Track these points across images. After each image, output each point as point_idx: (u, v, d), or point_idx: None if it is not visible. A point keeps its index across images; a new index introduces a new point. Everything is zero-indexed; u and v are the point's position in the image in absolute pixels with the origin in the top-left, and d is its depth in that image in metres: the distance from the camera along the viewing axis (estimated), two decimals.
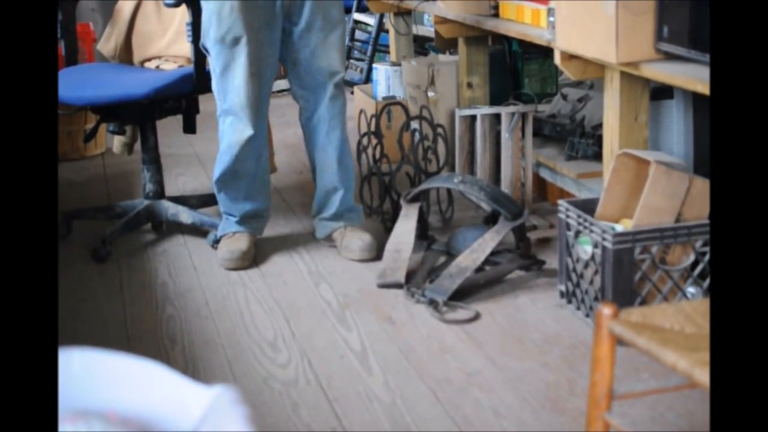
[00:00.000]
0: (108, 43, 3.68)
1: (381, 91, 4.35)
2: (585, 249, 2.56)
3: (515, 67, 4.10)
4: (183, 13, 3.39)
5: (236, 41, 2.98)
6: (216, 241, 3.25)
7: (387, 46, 5.08)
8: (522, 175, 3.48)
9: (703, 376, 1.40)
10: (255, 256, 3.17)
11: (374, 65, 4.51)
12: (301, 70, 3.13)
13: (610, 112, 2.74)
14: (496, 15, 3.50)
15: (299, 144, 4.51)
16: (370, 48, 5.22)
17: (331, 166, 3.21)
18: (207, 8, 3.02)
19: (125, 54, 3.67)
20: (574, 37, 2.72)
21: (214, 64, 3.05)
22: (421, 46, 5.01)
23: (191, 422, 1.21)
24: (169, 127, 4.44)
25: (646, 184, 2.45)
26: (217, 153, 3.19)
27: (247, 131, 3.07)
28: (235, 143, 3.10)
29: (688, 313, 1.63)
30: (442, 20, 3.83)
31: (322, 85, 3.13)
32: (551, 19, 2.96)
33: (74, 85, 3.25)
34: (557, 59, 2.83)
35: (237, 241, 3.16)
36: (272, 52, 3.07)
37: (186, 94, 3.31)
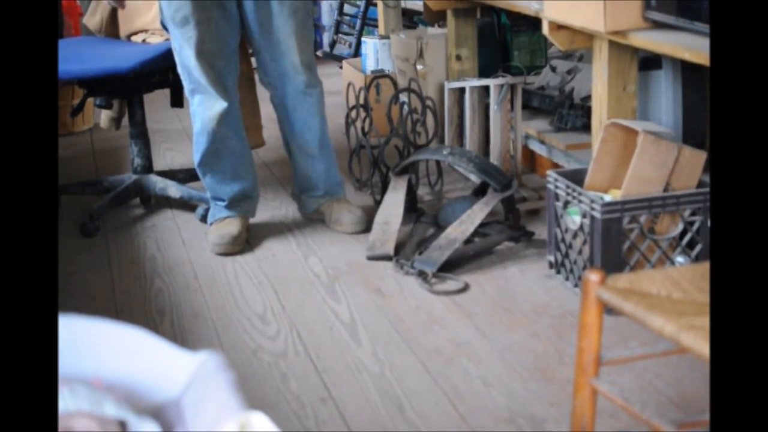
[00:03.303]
0: (94, 17, 3.65)
1: (370, 65, 4.34)
2: (574, 219, 2.55)
3: (504, 40, 4.09)
4: None
5: (185, 20, 2.89)
6: (204, 216, 3.24)
7: (376, 19, 5.06)
8: (511, 147, 3.47)
9: (689, 340, 1.40)
10: (247, 239, 3.11)
11: (363, 39, 4.50)
12: (266, 57, 3.02)
13: (599, 82, 2.73)
14: None
15: None
16: (358, 22, 5.20)
17: (312, 151, 3.15)
18: None
19: (111, 28, 3.64)
20: (562, 6, 2.71)
21: (172, 43, 2.99)
22: (410, 19, 4.98)
23: (177, 388, 1.21)
24: (157, 102, 4.42)
25: (635, 153, 2.44)
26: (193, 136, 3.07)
27: (219, 104, 2.96)
28: (209, 120, 2.98)
29: (675, 278, 1.63)
30: None
31: (286, 73, 3.02)
32: None
33: (60, 59, 3.22)
34: (545, 29, 2.81)
35: (227, 226, 3.07)
36: (229, 28, 2.95)
37: (173, 68, 3.27)
